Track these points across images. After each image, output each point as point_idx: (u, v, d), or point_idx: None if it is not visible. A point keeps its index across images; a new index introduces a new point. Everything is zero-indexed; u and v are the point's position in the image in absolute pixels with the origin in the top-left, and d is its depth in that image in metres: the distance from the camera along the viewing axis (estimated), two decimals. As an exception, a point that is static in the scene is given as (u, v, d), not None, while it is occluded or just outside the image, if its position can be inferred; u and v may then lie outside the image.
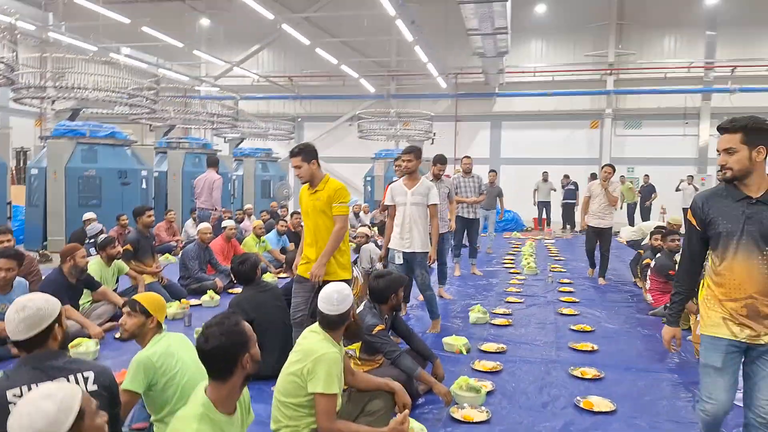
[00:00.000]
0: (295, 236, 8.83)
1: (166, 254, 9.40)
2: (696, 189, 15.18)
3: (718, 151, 2.50)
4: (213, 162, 9.58)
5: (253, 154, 17.04)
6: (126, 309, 3.01)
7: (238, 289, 7.02)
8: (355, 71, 19.03)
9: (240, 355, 2.06)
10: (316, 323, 2.86)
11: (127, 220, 9.20)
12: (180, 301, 6.07)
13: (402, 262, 5.18)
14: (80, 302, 5.24)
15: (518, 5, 13.09)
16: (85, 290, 5.26)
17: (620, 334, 5.36)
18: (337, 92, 21.61)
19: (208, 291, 6.47)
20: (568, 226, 15.42)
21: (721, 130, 2.52)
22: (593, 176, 15.28)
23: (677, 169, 18.02)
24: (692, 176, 15.94)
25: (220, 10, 21.67)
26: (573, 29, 19.46)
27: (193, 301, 6.31)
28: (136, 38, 19.18)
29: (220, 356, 2.04)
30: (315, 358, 2.63)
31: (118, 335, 5.04)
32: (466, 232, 8.18)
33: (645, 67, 19.08)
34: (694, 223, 2.58)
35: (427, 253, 5.23)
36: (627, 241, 8.61)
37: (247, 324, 2.15)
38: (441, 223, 6.60)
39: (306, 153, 3.86)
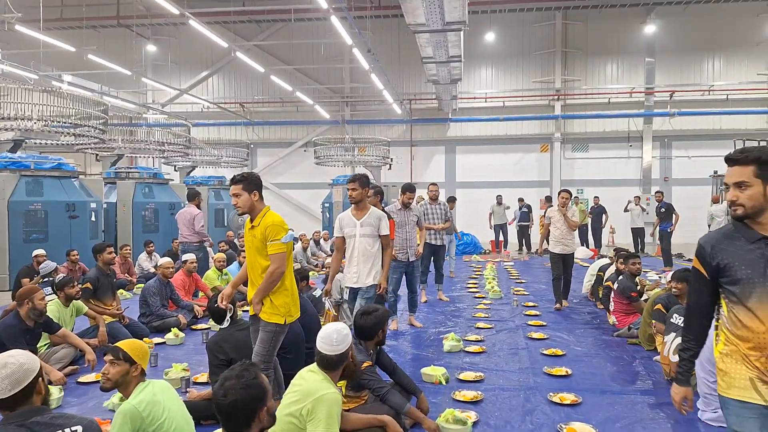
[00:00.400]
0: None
1: (120, 290, 9.07)
2: (643, 209, 15.92)
3: (726, 184, 2.20)
4: (191, 195, 9.13)
5: (205, 182, 16.75)
6: (108, 357, 2.92)
7: (202, 325, 6.91)
8: (310, 97, 19.11)
9: (258, 410, 2.03)
10: (314, 363, 2.85)
11: (78, 255, 8.89)
12: (143, 340, 5.87)
13: (340, 297, 5.04)
14: (37, 346, 4.99)
15: (469, 34, 13.58)
16: (42, 333, 5.01)
17: (590, 357, 5.53)
18: (290, 118, 21.63)
19: (172, 329, 6.29)
20: (524, 248, 15.81)
21: (731, 161, 2.19)
22: (548, 199, 15.81)
23: (623, 190, 18.90)
24: (639, 197, 16.68)
25: (167, 37, 21.46)
26: (521, 57, 20.27)
27: (157, 340, 6.12)
28: (78, 65, 18.68)
29: (239, 410, 2.01)
30: (316, 398, 2.61)
31: (80, 379, 4.83)
32: (432, 258, 8.29)
33: (590, 93, 20.03)
34: (702, 271, 2.25)
35: (375, 284, 5.11)
36: (586, 292, 8.74)
37: (264, 377, 2.13)
38: (410, 250, 6.70)
39: (249, 182, 3.63)
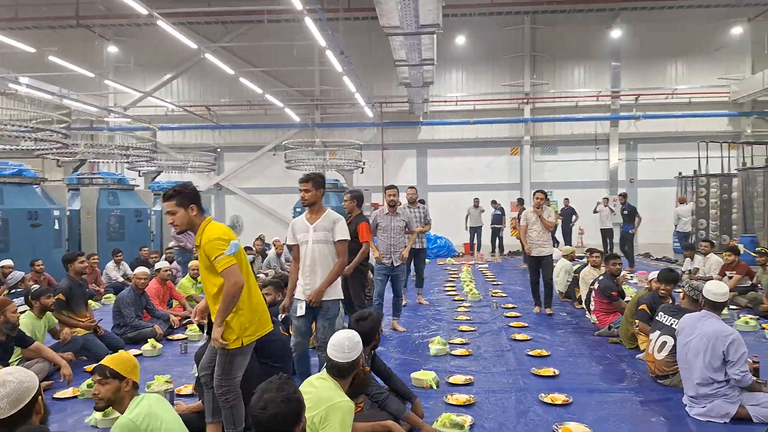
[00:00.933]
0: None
1: (89, 300, 8.81)
2: (612, 210, 16.30)
3: None
4: None
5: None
6: (96, 377, 2.86)
7: (179, 335, 6.77)
8: (279, 100, 18.96)
9: (296, 425, 2.00)
10: (324, 370, 2.82)
11: (43, 265, 8.63)
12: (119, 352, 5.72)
13: (303, 313, 4.31)
14: (9, 361, 4.80)
15: (439, 37, 13.64)
16: (15, 347, 4.83)
17: (575, 357, 5.63)
18: (258, 121, 21.41)
19: (148, 339, 6.14)
20: (497, 251, 15.99)
21: None
22: (520, 201, 16.04)
23: (591, 192, 19.33)
24: (607, 198, 17.07)
25: (129, 38, 21.02)
26: (491, 60, 20.55)
27: (133, 351, 5.91)
28: (35, 67, 18.10)
29: (278, 424, 1.97)
30: (329, 406, 2.60)
31: (56, 395, 4.66)
32: (413, 262, 8.32)
33: (558, 96, 20.44)
34: None
35: (337, 300, 4.40)
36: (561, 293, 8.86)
37: (300, 391, 2.10)
38: (394, 255, 6.73)
39: (183, 196, 3.28)
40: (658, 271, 5.63)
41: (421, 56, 13.07)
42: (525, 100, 20.40)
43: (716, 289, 4.16)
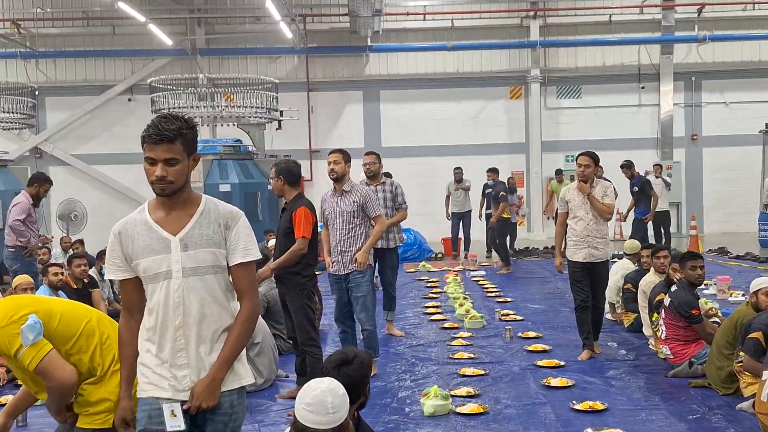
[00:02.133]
0: (80, 293, 8.57)
1: None
2: (666, 183, 16.79)
3: None
4: (31, 180, 9.86)
5: (-37, 158, 16.03)
6: None
7: (8, 397, 6.59)
8: (138, 11, 18.52)
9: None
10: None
11: None
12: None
13: (182, 427, 3.04)
14: None
15: None
16: None
17: (647, 410, 5.81)
18: (103, 46, 20.93)
19: None
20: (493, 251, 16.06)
21: None
22: (494, 171, 16.12)
23: (633, 155, 19.79)
24: (659, 165, 17.51)
25: None
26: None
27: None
28: None
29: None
30: None
31: None
32: (376, 268, 8.36)
33: (581, 7, 20.82)
34: None
35: (243, 389, 3.27)
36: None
37: None
38: (343, 257, 6.76)
39: None
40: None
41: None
42: (531, 14, 20.70)
43: None
